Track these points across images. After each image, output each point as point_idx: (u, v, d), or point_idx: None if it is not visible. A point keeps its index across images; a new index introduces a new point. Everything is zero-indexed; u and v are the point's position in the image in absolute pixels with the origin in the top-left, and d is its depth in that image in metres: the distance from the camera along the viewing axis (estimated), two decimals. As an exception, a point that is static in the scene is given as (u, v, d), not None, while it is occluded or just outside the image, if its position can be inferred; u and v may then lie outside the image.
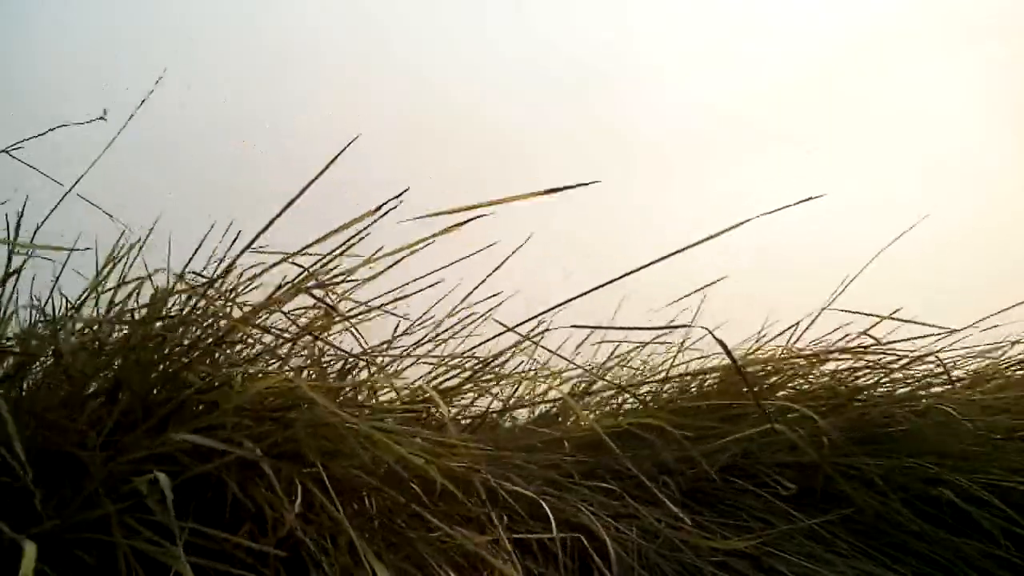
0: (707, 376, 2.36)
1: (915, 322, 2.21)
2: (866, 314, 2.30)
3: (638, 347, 2.39)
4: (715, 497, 2.10)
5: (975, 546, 2.10)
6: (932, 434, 2.20)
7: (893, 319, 2.26)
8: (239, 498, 1.36)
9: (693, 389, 2.39)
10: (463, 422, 2.08)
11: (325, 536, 1.49)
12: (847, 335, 2.41)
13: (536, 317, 1.77)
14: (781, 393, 2.26)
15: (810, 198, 1.62)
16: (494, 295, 1.98)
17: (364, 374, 1.87)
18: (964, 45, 4.16)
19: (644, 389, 2.41)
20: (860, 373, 2.39)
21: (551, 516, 1.80)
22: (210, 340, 1.60)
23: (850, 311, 2.31)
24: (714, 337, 1.56)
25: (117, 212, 1.64)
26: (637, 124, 3.90)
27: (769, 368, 2.37)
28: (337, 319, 1.74)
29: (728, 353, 1.58)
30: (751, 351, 2.48)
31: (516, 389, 2.24)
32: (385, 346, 1.98)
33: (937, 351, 2.40)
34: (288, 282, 1.68)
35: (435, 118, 3.65)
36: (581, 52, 3.95)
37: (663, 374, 2.40)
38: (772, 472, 2.11)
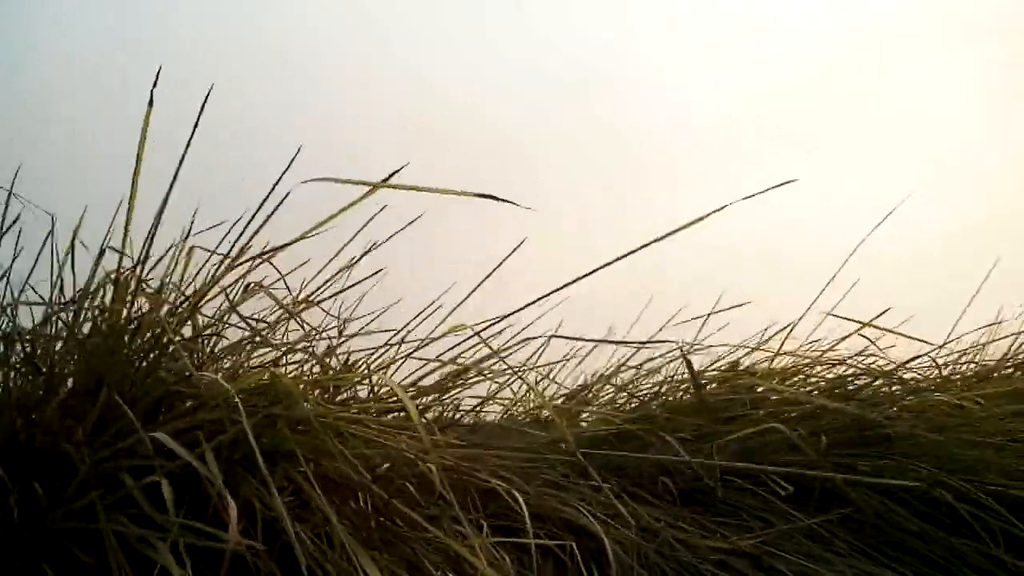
0: (706, 378, 2.36)
1: (897, 332, 2.22)
2: (847, 319, 2.31)
3: (636, 349, 2.39)
4: (714, 496, 2.10)
5: (973, 546, 2.11)
6: (928, 436, 2.20)
7: (875, 327, 2.27)
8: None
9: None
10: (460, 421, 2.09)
11: (321, 535, 1.49)
12: (844, 335, 2.42)
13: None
14: (776, 397, 2.27)
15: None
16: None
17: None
18: (964, 45, 4.17)
19: (643, 389, 2.41)
20: (856, 375, 2.40)
21: (550, 515, 1.80)
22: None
23: (840, 316, 2.32)
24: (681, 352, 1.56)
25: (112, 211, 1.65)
26: (637, 124, 3.90)
27: (767, 370, 2.38)
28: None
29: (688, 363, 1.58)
30: (749, 353, 2.49)
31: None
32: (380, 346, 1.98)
33: (932, 351, 2.41)
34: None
35: (435, 118, 3.66)
36: (581, 52, 3.95)
37: (661, 376, 2.41)
38: (771, 472, 2.11)
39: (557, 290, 1.71)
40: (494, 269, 1.93)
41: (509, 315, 1.82)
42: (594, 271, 1.69)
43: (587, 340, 1.99)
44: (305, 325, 1.83)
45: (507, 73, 3.89)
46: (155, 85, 1.55)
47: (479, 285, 2.04)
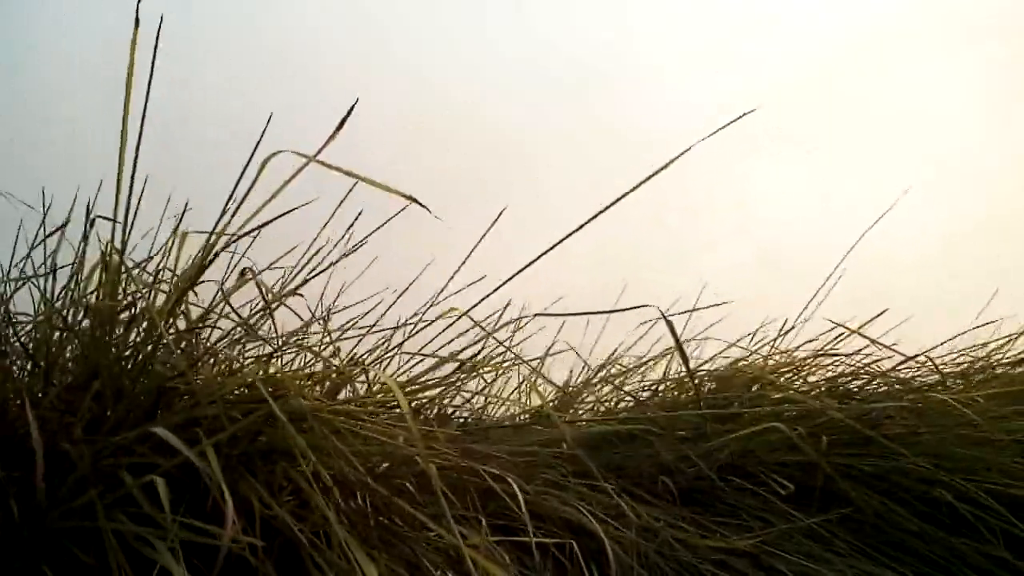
0: (704, 376, 2.37)
1: (878, 343, 2.22)
2: (837, 324, 2.32)
3: (631, 346, 2.39)
4: (714, 496, 2.10)
5: (973, 546, 2.11)
6: (927, 435, 2.20)
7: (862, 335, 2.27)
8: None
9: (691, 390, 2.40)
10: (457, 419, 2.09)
11: (320, 534, 1.49)
12: (841, 334, 2.42)
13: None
14: (777, 396, 2.27)
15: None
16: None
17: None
18: (964, 45, 4.16)
19: (641, 386, 2.41)
20: (855, 374, 2.40)
21: (549, 515, 1.80)
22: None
23: (833, 321, 2.32)
24: (666, 320, 1.55)
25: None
26: (637, 124, 3.90)
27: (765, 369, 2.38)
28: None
29: (674, 336, 1.58)
30: (748, 351, 2.49)
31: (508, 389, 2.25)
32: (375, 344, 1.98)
33: (930, 350, 2.42)
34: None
35: (435, 118, 3.65)
36: (581, 52, 3.95)
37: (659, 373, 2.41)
38: (770, 471, 2.11)
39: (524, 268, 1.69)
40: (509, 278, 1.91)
41: (491, 292, 1.82)
42: (554, 245, 1.68)
43: (574, 314, 1.98)
44: (294, 316, 1.82)
45: (507, 73, 3.88)
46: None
47: (476, 282, 2.04)
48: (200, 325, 1.69)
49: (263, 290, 1.65)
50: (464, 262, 1.87)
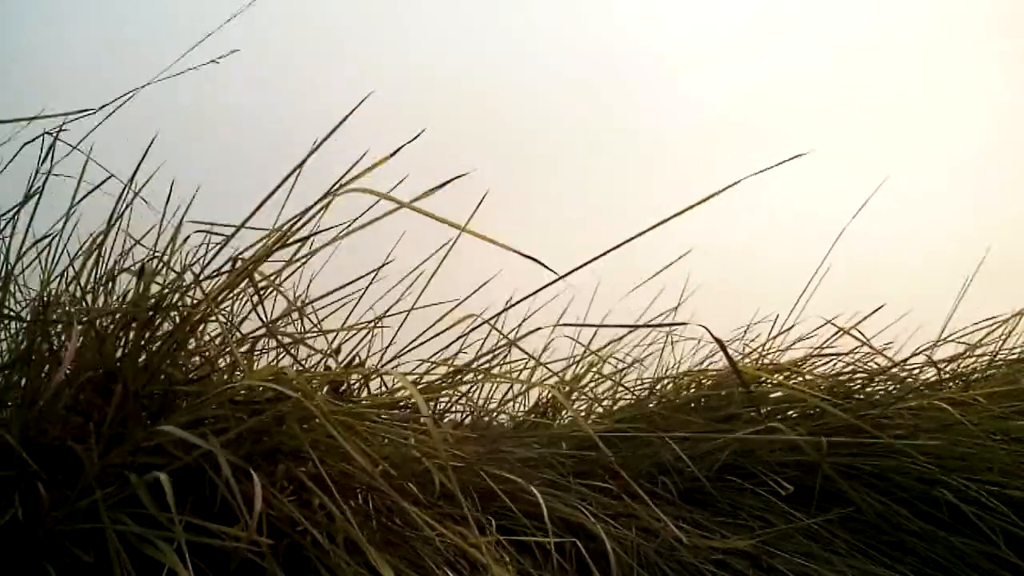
0: (702, 375, 2.37)
1: (866, 342, 2.22)
2: (829, 321, 2.32)
3: (621, 341, 2.39)
4: (714, 496, 2.11)
5: (973, 545, 2.11)
6: (927, 435, 2.20)
7: (850, 333, 2.28)
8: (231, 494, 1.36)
9: (691, 388, 2.40)
10: (456, 418, 2.09)
11: (323, 534, 1.50)
12: (839, 332, 2.42)
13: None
14: (775, 395, 2.26)
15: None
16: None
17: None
18: (975, 42, 4.15)
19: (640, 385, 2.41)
20: (853, 373, 2.40)
21: (549, 515, 1.80)
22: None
23: (828, 321, 2.33)
24: (713, 337, 1.55)
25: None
26: (649, 122, 3.90)
27: (765, 367, 2.38)
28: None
29: (725, 352, 1.58)
30: (750, 350, 2.49)
31: (508, 387, 2.25)
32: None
33: (928, 349, 2.42)
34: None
35: (448, 115, 3.66)
36: (595, 49, 3.95)
37: (658, 371, 2.42)
38: (770, 471, 2.11)
39: (552, 283, 1.69)
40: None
41: (514, 304, 1.82)
42: (585, 263, 1.67)
43: (594, 325, 1.99)
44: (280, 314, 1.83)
45: (520, 69, 3.89)
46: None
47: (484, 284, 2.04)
48: (210, 319, 1.70)
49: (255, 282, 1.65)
50: (446, 256, 1.88)
